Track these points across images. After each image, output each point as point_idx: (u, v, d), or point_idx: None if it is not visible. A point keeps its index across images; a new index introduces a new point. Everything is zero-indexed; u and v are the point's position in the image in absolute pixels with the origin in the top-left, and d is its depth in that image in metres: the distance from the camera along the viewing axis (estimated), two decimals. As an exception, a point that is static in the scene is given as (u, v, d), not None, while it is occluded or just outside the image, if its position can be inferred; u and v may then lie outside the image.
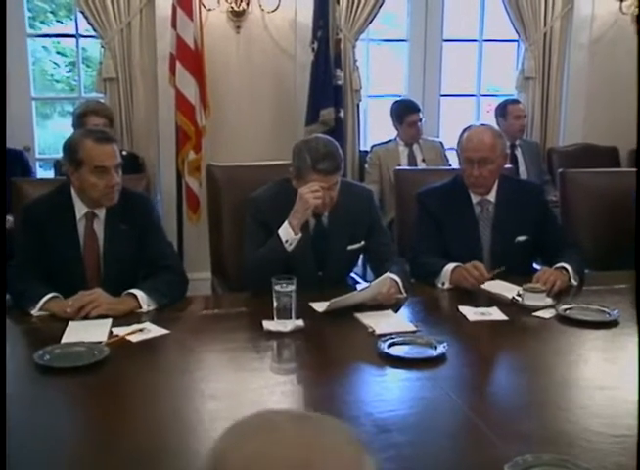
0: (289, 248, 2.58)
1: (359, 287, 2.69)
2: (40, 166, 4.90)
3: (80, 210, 2.58)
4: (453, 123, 5.02)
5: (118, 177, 2.52)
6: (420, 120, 4.67)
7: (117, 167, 2.52)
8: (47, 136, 5.27)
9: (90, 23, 4.49)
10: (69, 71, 5.68)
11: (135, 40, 4.56)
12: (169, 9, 4.29)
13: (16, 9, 4.48)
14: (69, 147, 2.51)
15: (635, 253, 2.57)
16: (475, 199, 2.94)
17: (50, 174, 4.49)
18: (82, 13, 4.48)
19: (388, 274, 2.49)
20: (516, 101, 4.96)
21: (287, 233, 2.58)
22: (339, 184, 2.67)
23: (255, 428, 0.81)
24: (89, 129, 2.85)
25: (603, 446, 1.61)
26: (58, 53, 5.82)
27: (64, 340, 2.17)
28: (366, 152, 4.86)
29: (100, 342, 2.14)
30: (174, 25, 4.24)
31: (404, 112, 4.68)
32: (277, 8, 4.63)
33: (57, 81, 5.93)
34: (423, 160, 4.68)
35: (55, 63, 5.84)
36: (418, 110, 4.69)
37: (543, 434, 1.68)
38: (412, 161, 4.66)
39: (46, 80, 5.79)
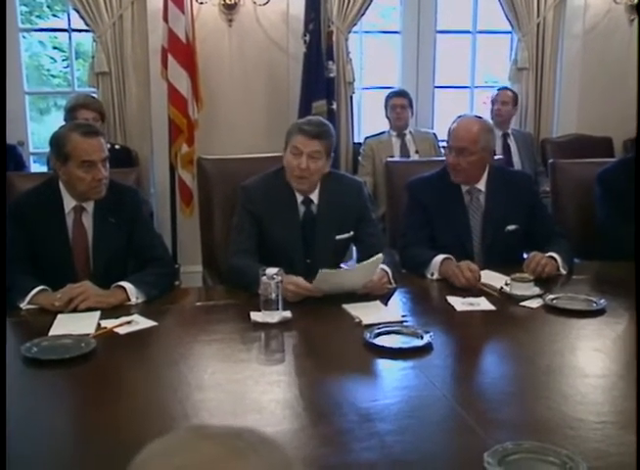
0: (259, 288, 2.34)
1: (347, 265, 2.71)
2: (35, 161, 4.92)
3: (68, 203, 2.58)
4: (447, 115, 5.02)
5: (106, 171, 2.52)
6: (404, 107, 4.69)
7: (104, 161, 2.52)
8: (44, 131, 5.28)
9: (82, 17, 4.50)
10: (67, 67, 5.68)
11: (127, 34, 4.57)
12: (161, 2, 4.30)
13: (8, 3, 4.48)
14: (56, 141, 2.51)
15: (635, 246, 2.59)
16: (464, 188, 2.95)
17: (44, 169, 4.49)
18: (74, 7, 4.48)
19: (380, 255, 2.48)
20: (504, 88, 5.02)
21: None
22: (321, 162, 2.69)
23: (171, 448, 0.79)
24: (76, 123, 2.84)
25: (583, 432, 1.62)
26: (55, 48, 5.82)
27: (51, 332, 2.18)
28: (360, 144, 4.87)
29: (87, 334, 2.15)
30: (166, 19, 4.25)
31: (389, 96, 4.76)
32: (269, 1, 4.63)
33: (53, 76, 5.93)
34: (416, 151, 4.70)
35: (52, 58, 5.84)
36: (403, 96, 4.72)
37: (525, 421, 1.69)
38: (405, 152, 4.67)
39: (42, 75, 5.79)
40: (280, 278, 2.29)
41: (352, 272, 2.56)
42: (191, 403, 1.79)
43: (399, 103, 4.69)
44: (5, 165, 3.77)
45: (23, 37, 4.82)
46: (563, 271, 2.77)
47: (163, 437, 0.82)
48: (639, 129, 3.12)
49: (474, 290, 2.58)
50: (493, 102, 4.93)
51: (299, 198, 2.78)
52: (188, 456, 0.77)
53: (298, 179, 2.71)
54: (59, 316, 2.30)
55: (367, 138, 4.81)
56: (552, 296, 2.49)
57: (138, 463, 0.78)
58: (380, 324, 2.21)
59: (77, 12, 4.49)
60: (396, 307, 2.49)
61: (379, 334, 2.15)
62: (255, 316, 2.30)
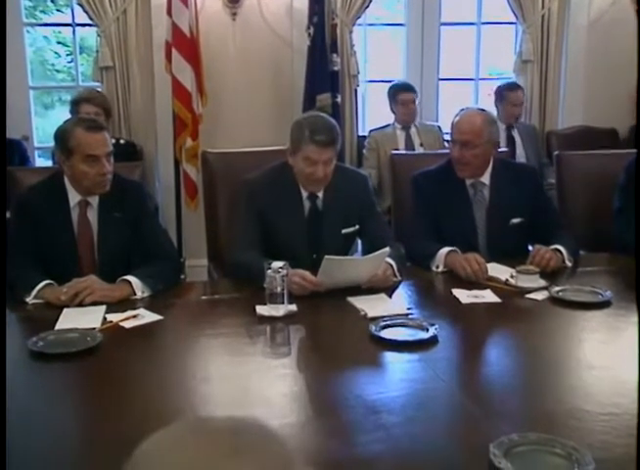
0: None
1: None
2: (39, 156, 4.93)
3: (73, 198, 2.58)
4: (452, 108, 4.99)
5: (110, 165, 2.52)
6: (414, 102, 4.67)
7: (109, 156, 2.52)
8: (48, 126, 5.29)
9: (86, 12, 4.50)
10: (71, 61, 5.69)
11: (131, 28, 4.57)
12: (165, -4, 4.29)
13: (12, -2, 4.50)
14: (61, 136, 2.52)
15: (636, 240, 2.57)
16: (468, 181, 2.94)
17: (49, 163, 4.50)
18: (78, 2, 4.48)
19: (387, 249, 2.48)
20: (515, 87, 4.83)
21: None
22: (333, 163, 2.69)
23: (167, 445, 0.77)
24: (80, 118, 2.84)
25: (590, 424, 1.61)
26: (59, 43, 5.82)
27: (58, 326, 2.18)
28: (364, 137, 4.86)
29: (93, 328, 2.15)
30: (170, 13, 4.24)
31: (398, 90, 4.72)
32: (273, -6, 4.62)
33: (58, 71, 5.93)
34: (421, 144, 4.68)
35: (56, 52, 5.85)
36: (412, 90, 4.70)
37: (531, 413, 1.69)
38: (409, 145, 4.66)
39: (47, 70, 5.80)
40: (285, 271, 2.29)
41: (357, 262, 2.56)
42: (197, 397, 1.79)
43: (410, 98, 4.65)
44: (5, 163, 3.77)
45: (28, 32, 4.82)
46: (568, 263, 2.76)
47: (159, 432, 0.80)
48: (639, 127, 3.11)
49: (479, 283, 2.58)
50: (501, 100, 4.76)
51: (305, 193, 2.77)
52: (183, 455, 0.76)
53: (316, 184, 2.71)
54: (65, 310, 2.30)
55: (372, 131, 4.79)
56: (558, 288, 2.49)
57: (132, 463, 0.77)
58: (385, 317, 2.21)
59: (81, 6, 4.49)
60: (402, 300, 2.49)
61: (384, 327, 2.15)
62: (261, 310, 2.30)
